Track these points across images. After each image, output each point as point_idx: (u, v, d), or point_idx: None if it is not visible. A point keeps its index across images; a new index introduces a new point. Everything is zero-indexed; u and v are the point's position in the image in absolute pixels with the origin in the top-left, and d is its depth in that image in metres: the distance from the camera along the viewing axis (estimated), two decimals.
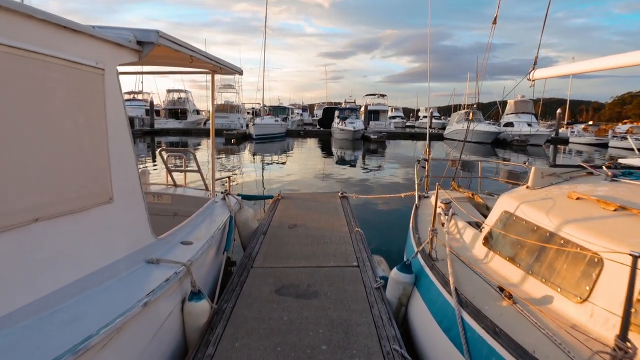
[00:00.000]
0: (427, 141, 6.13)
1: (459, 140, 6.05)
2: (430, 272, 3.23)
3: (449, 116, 77.48)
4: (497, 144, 32.94)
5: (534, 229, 2.90)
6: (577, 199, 2.91)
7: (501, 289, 2.72)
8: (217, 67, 4.43)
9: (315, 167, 17.31)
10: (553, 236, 2.70)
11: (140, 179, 2.94)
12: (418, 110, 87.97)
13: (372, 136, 34.01)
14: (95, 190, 2.52)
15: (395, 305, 3.53)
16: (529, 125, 36.35)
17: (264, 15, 39.89)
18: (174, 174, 6.04)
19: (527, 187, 3.44)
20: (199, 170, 5.56)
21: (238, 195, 6.74)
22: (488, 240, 3.34)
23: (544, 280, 2.60)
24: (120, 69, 2.80)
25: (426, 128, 55.39)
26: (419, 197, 5.56)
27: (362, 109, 49.01)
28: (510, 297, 2.60)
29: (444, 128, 53.14)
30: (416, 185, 5.63)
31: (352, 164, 19.55)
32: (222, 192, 5.45)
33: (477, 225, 4.22)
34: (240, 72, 4.83)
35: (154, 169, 15.40)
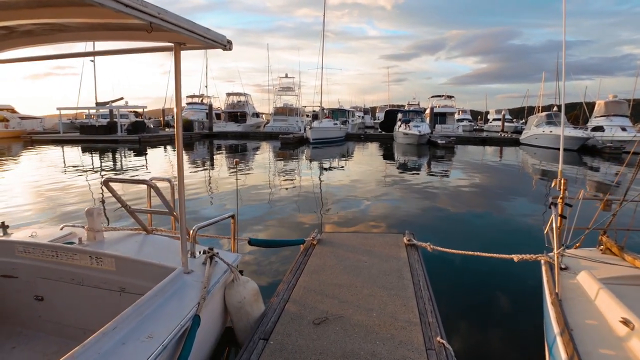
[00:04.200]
0: (559, 167, 3.57)
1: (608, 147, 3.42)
2: None
3: (522, 119, 71.82)
4: (584, 151, 28.56)
5: None
6: None
7: None
8: (169, 33, 2.29)
9: (374, 177, 14.72)
10: None
11: None
12: (487, 113, 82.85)
13: (439, 141, 30.76)
14: None
15: None
16: (624, 129, 31.34)
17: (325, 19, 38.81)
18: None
19: None
20: (170, 212, 3.43)
21: (250, 239, 4.50)
22: None
23: None
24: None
25: (497, 132, 51.29)
26: (553, 268, 3.02)
27: (428, 111, 45.79)
28: None
29: (517, 132, 48.49)
30: (555, 253, 3.04)
31: (417, 173, 16.75)
32: (204, 252, 3.22)
33: None
34: (224, 45, 2.63)
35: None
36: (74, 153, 26.88)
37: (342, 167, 19.12)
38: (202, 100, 55.89)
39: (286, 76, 57.99)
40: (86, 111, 49.45)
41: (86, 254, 3.12)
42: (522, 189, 13.35)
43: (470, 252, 4.23)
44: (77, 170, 17.35)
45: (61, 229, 3.81)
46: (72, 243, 3.40)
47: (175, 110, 2.82)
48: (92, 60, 48.33)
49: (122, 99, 47.37)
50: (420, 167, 19.55)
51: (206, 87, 63.48)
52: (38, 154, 25.71)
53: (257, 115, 56.42)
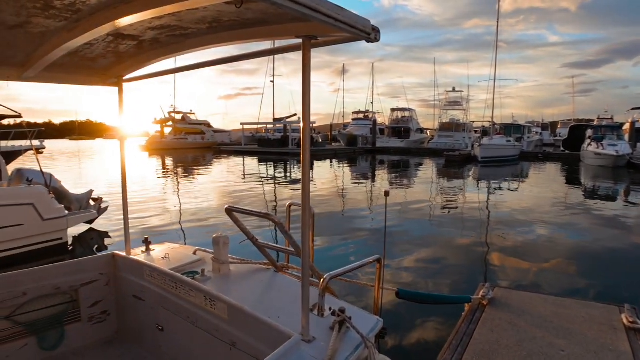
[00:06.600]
0: None
1: None
2: None
3: None
4: None
5: None
6: None
7: None
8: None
9: (558, 206, 12.24)
10: None
11: None
12: None
13: None
14: None
15: None
16: None
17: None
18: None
19: None
20: (297, 252, 2.82)
21: (399, 291, 3.62)
22: None
23: None
24: None
25: None
26: None
27: (627, 126, 38.32)
28: None
29: None
30: None
31: (614, 203, 13.48)
32: (333, 313, 2.48)
33: None
34: (367, 34, 1.87)
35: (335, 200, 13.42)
36: (252, 163, 29.73)
37: (515, 190, 16.78)
38: (365, 116, 57.41)
39: (453, 90, 55.77)
40: (264, 126, 55.14)
41: (201, 293, 2.73)
42: None
43: None
44: (251, 179, 18.82)
45: (194, 252, 3.57)
46: (195, 273, 3.09)
47: (302, 125, 2.13)
48: (272, 81, 54.27)
49: (295, 115, 51.77)
50: (618, 196, 15.91)
51: (372, 103, 65.31)
52: (222, 163, 29.10)
53: (421, 131, 55.51)
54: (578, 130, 38.42)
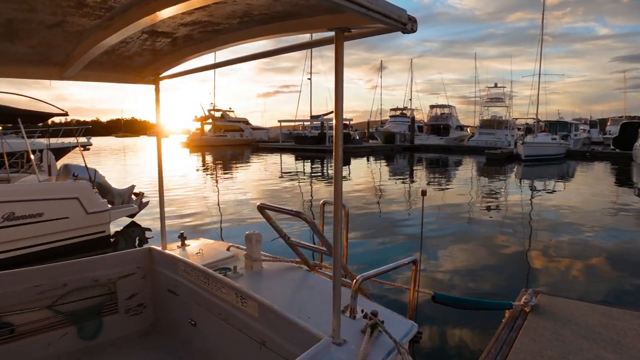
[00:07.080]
0: None
1: None
2: None
3: None
4: None
5: None
6: None
7: None
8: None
9: (606, 208, 11.57)
10: None
11: None
12: None
13: None
14: None
15: None
16: None
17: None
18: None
19: None
20: (329, 251, 2.77)
21: (435, 295, 3.49)
22: None
23: None
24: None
25: None
26: None
27: None
28: None
29: None
30: None
31: None
32: (365, 315, 2.41)
33: None
34: (403, 24, 1.78)
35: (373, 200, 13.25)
36: (289, 160, 29.94)
37: (561, 190, 16.06)
38: (403, 113, 56.69)
39: (495, 86, 54.22)
40: (302, 123, 55.46)
41: (233, 290, 2.72)
42: None
43: None
44: (288, 177, 18.95)
45: (227, 249, 3.59)
46: (228, 270, 3.11)
47: (334, 122, 2.07)
48: (309, 78, 54.49)
49: (332, 112, 51.78)
50: None
51: (410, 100, 64.27)
52: (260, 160, 29.46)
53: (461, 128, 54.31)
54: (630, 128, 36.37)
